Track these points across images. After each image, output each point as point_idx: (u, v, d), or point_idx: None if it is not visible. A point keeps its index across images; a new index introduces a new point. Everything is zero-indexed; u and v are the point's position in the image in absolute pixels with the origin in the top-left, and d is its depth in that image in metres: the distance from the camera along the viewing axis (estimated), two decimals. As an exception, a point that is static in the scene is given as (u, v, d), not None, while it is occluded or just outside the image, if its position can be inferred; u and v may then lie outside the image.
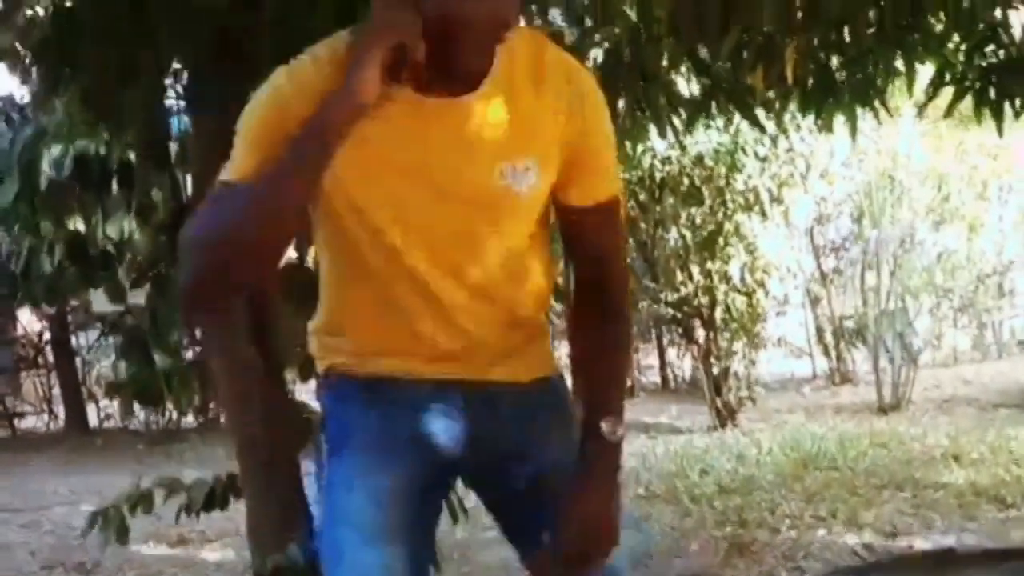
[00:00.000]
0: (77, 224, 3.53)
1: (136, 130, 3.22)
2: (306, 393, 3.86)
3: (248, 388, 3.59)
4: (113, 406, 11.69)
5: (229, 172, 1.82)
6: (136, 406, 10.73)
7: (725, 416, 10.38)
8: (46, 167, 3.54)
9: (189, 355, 3.98)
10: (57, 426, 13.42)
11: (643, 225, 10.49)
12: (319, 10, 3.07)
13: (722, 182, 9.79)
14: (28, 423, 13.72)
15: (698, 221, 10.28)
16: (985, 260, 13.94)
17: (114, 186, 3.36)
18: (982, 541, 5.41)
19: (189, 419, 11.06)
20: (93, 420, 13.15)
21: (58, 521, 7.72)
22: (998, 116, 4.20)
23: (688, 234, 10.27)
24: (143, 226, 3.38)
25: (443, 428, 2.03)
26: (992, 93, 4.22)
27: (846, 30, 4.05)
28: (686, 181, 9.92)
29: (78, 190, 3.36)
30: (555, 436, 2.11)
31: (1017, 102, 4.19)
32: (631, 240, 10.18)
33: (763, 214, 10.20)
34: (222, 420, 3.45)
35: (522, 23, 2.54)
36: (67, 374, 12.81)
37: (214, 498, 4.05)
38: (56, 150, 3.54)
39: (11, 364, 11.69)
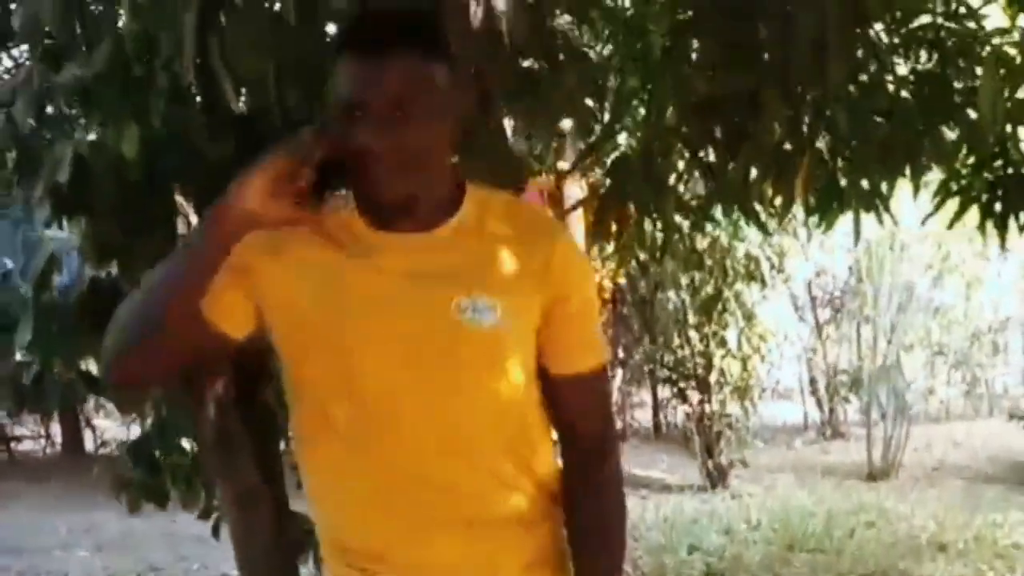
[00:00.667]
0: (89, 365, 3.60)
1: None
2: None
3: (250, 510, 3.69)
4: (110, 431, 11.82)
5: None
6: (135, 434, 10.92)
7: (716, 478, 10.53)
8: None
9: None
10: (54, 450, 13.62)
11: (643, 284, 10.59)
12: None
13: (724, 250, 9.87)
14: (25, 447, 13.89)
15: (698, 285, 10.37)
16: (982, 317, 14.06)
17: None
18: None
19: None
20: (89, 445, 13.32)
21: (54, 571, 7.81)
22: (1002, 229, 4.16)
23: (687, 298, 10.37)
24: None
25: None
26: (998, 206, 4.20)
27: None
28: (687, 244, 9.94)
29: (88, 326, 3.41)
30: None
31: (1022, 216, 4.18)
32: (628, 299, 10.29)
33: (763, 283, 10.27)
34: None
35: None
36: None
37: None
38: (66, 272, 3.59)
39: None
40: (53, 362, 3.40)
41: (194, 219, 3.44)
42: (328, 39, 2.76)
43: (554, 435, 2.02)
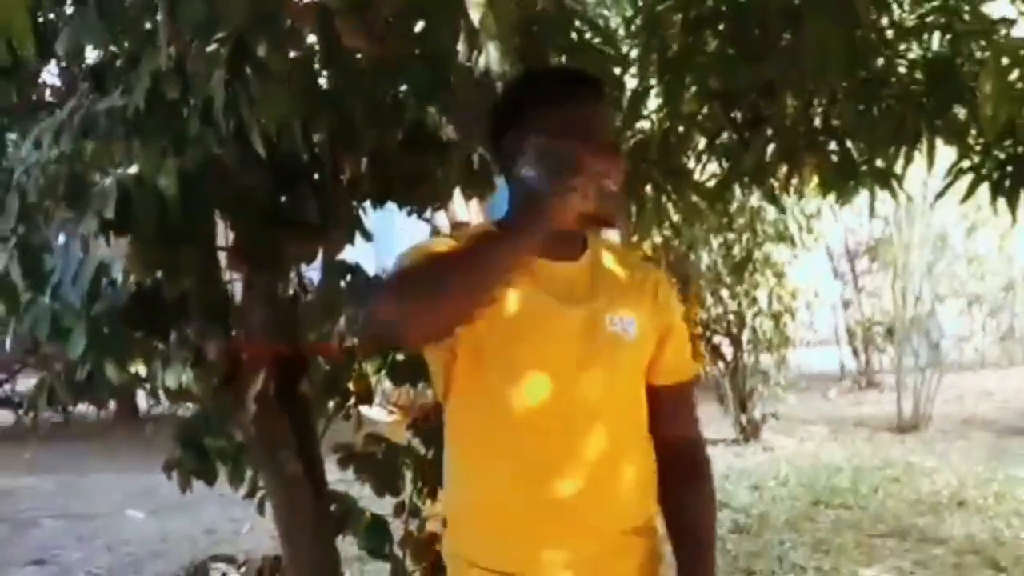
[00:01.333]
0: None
1: (191, 286, 3.58)
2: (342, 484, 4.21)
3: (292, 495, 3.97)
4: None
5: (404, 262, 2.11)
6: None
7: (749, 432, 10.85)
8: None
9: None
10: (108, 414, 13.79)
11: (676, 244, 10.79)
12: (353, 187, 3.45)
13: (754, 212, 10.11)
14: (79, 409, 13.97)
15: (730, 246, 10.62)
16: (1016, 266, 14.12)
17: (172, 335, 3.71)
18: None
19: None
20: (143, 406, 13.44)
21: (112, 534, 8.07)
22: (1013, 205, 4.20)
23: (719, 258, 10.58)
24: (199, 377, 3.73)
25: None
26: (1008, 183, 4.23)
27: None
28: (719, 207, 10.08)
29: (134, 331, 3.65)
30: None
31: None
32: (663, 260, 10.49)
33: (792, 243, 10.44)
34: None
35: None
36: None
37: None
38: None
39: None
40: (105, 366, 3.65)
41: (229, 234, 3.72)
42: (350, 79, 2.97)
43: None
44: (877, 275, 13.71)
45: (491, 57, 2.49)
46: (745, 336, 10.76)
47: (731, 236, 10.49)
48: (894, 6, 4.01)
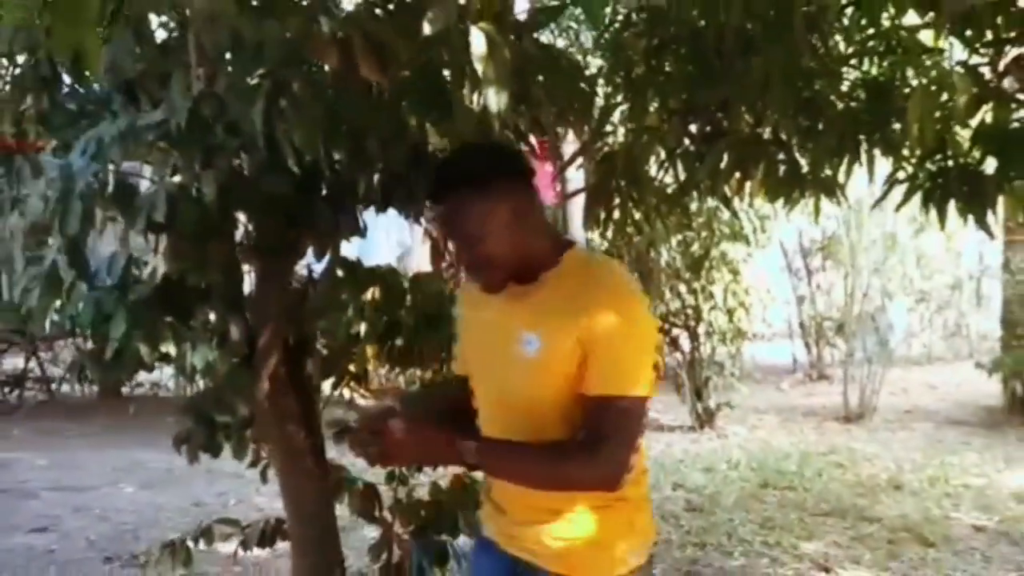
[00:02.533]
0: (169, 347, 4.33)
1: (216, 276, 4.10)
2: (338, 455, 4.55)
3: (298, 464, 4.47)
4: (144, 374, 12.44)
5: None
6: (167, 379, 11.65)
7: (704, 420, 11.42)
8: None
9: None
10: (92, 392, 14.20)
11: (637, 241, 11.32)
12: (365, 197, 3.97)
13: (711, 213, 10.62)
14: (65, 388, 14.39)
15: (688, 244, 11.17)
16: (963, 265, 14.68)
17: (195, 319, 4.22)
18: None
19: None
20: (126, 387, 13.85)
21: (106, 505, 8.45)
22: (941, 215, 4.49)
23: (678, 255, 11.12)
24: (222, 356, 4.25)
25: None
26: (938, 194, 4.51)
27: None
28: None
29: (164, 315, 4.16)
30: None
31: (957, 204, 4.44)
32: (625, 255, 11.02)
33: (747, 242, 11.01)
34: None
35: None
36: (103, 343, 13.44)
37: (264, 538, 4.83)
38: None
39: (52, 332, 12.43)
40: (136, 346, 4.15)
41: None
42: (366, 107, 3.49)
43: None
44: (830, 272, 14.16)
45: (489, 96, 3.01)
46: (701, 329, 11.31)
47: (690, 235, 11.02)
48: (838, 36, 4.43)
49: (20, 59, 4.07)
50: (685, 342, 11.48)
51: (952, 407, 12.54)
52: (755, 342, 13.61)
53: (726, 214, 10.43)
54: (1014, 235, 11.67)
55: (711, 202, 9.54)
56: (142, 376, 12.93)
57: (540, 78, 3.61)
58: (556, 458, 2.48)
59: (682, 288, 11.25)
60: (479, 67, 2.89)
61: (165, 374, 11.64)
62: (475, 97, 3.13)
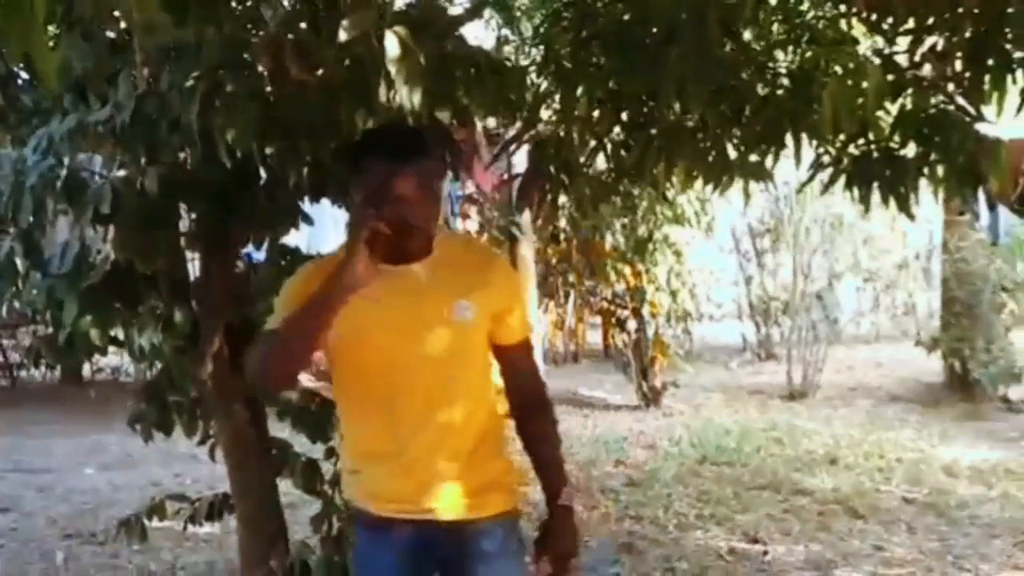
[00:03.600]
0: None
1: (162, 264, 4.35)
2: (281, 431, 4.95)
3: (241, 441, 4.73)
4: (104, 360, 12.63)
5: (270, 323, 2.83)
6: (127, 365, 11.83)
7: (651, 399, 11.69)
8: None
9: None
10: (53, 378, 14.39)
11: (583, 227, 11.64)
12: (297, 189, 4.23)
13: (652, 197, 10.71)
14: (26, 375, 14.55)
15: (634, 227, 11.46)
16: (910, 245, 14.94)
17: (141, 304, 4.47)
18: (824, 552, 6.46)
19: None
20: (86, 372, 13.93)
21: (67, 486, 8.72)
22: (864, 198, 4.67)
23: (622, 239, 11.42)
24: (168, 338, 4.51)
25: None
26: (861, 179, 4.67)
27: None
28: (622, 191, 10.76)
29: (112, 299, 4.40)
30: None
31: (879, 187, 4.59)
32: (574, 240, 11.31)
33: (688, 224, 11.31)
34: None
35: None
36: (64, 329, 13.59)
37: (213, 511, 5.06)
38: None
39: (14, 319, 12.58)
40: (88, 330, 4.40)
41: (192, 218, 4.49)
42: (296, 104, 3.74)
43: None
44: (779, 254, 14.43)
45: (402, 93, 3.28)
46: (645, 310, 11.59)
47: (635, 219, 11.28)
48: (757, 28, 4.60)
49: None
50: (630, 323, 11.72)
51: (894, 384, 12.84)
52: (704, 323, 13.94)
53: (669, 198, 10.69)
54: (951, 215, 11.91)
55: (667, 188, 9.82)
56: (103, 362, 13.11)
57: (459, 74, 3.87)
58: (555, 425, 3.12)
59: (627, 271, 11.49)
60: (392, 68, 3.16)
61: (126, 360, 11.89)
62: (392, 94, 3.38)
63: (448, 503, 2.90)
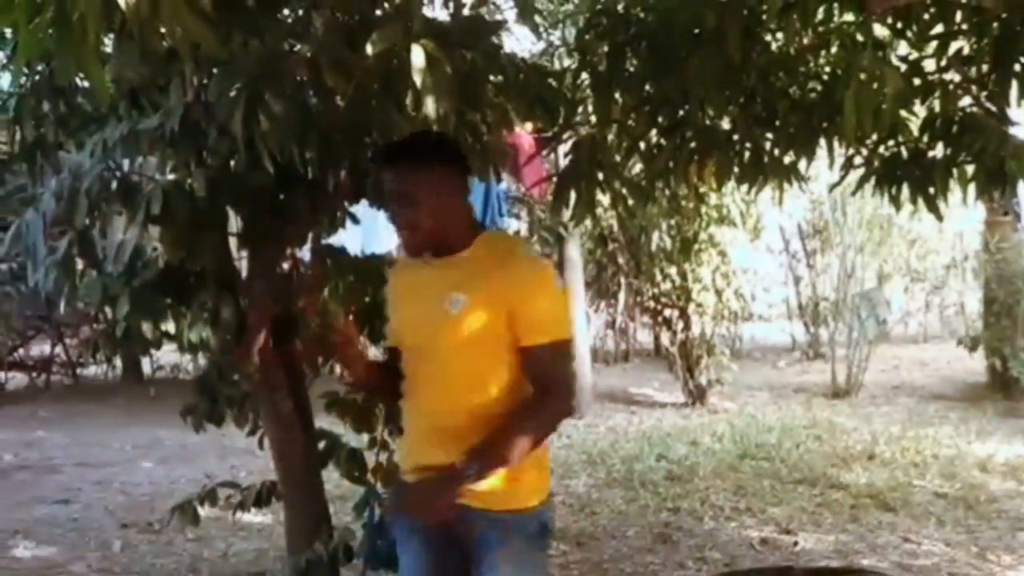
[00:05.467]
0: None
1: (210, 263, 4.59)
2: (327, 423, 5.13)
3: (286, 431, 4.96)
4: (165, 357, 12.99)
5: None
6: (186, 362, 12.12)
7: (696, 396, 11.90)
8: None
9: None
10: (115, 376, 14.81)
11: (629, 226, 11.82)
12: (336, 191, 4.46)
13: (699, 198, 10.99)
14: (89, 372, 15.05)
15: (682, 228, 11.68)
16: (959, 247, 15.00)
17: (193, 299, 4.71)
18: (853, 543, 6.62)
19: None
20: (147, 370, 14.46)
21: (125, 479, 9.00)
22: (895, 199, 4.88)
23: (668, 239, 11.60)
24: (215, 333, 4.75)
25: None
26: (890, 178, 4.91)
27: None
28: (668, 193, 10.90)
29: (165, 297, 4.65)
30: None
31: (909, 188, 4.83)
32: (621, 239, 11.49)
33: (733, 225, 11.47)
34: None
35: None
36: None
37: (260, 498, 5.26)
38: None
39: (77, 319, 12.93)
40: (141, 325, 4.65)
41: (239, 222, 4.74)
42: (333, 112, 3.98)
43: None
44: (828, 254, 14.52)
45: (429, 105, 3.49)
46: (691, 309, 11.76)
47: (681, 220, 11.48)
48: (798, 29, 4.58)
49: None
50: (676, 322, 11.91)
51: (938, 383, 12.99)
52: (755, 322, 14.07)
53: (712, 198, 10.88)
54: (993, 216, 12.01)
55: (700, 187, 9.96)
56: (163, 360, 13.51)
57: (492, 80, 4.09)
58: (532, 416, 3.02)
59: (672, 270, 11.67)
60: (418, 79, 3.38)
61: (185, 358, 12.14)
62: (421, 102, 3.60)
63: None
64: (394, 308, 3.31)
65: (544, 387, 3.01)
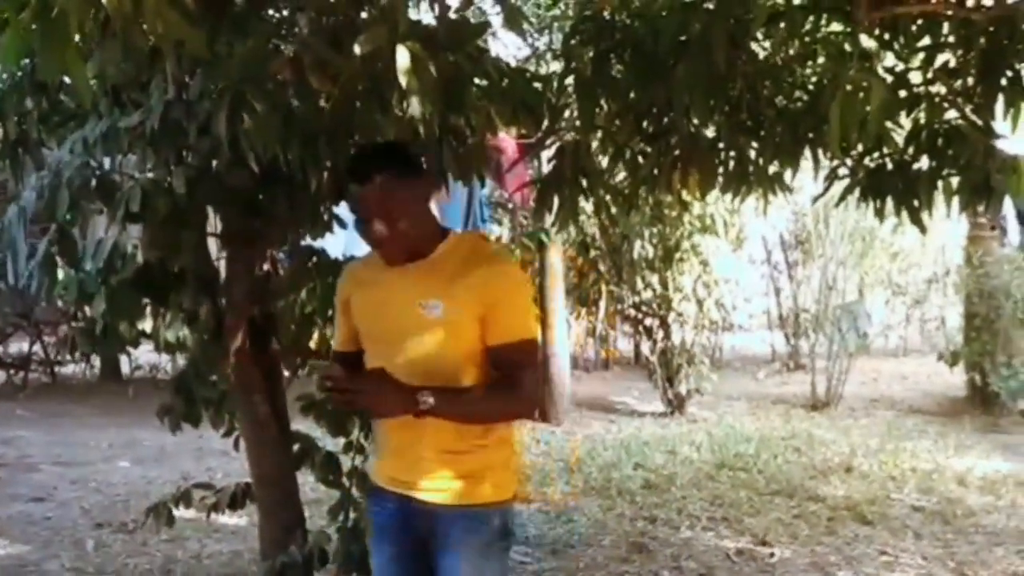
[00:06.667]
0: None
1: (188, 262, 4.58)
2: (304, 426, 5.09)
3: (262, 433, 4.94)
4: (143, 357, 12.97)
5: (334, 343, 3.34)
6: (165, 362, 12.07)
7: (675, 405, 11.92)
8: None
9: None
10: (93, 374, 14.76)
11: (611, 235, 11.82)
12: (318, 190, 4.43)
13: (682, 207, 10.96)
14: (67, 370, 15.03)
15: (665, 236, 11.64)
16: (940, 261, 15.04)
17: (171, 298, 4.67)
18: (829, 555, 6.61)
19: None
20: (125, 369, 14.43)
21: (101, 479, 8.96)
22: (879, 211, 4.80)
23: (650, 248, 11.59)
24: (193, 333, 4.73)
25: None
26: (874, 190, 4.83)
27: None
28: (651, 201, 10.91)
29: (142, 295, 4.61)
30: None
31: (893, 200, 4.74)
32: (603, 247, 11.49)
33: (716, 234, 11.47)
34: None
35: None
36: (104, 328, 13.92)
37: (236, 499, 5.25)
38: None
39: (56, 316, 12.91)
40: (119, 322, 4.62)
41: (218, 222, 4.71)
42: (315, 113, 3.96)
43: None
44: (810, 265, 14.54)
45: (414, 105, 3.48)
46: (671, 317, 11.76)
47: (664, 228, 11.46)
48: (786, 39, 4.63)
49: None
50: (656, 331, 11.91)
51: (917, 397, 13.03)
52: (736, 332, 14.08)
53: (696, 207, 10.88)
54: (977, 230, 12.05)
55: (684, 196, 9.93)
56: (141, 360, 13.48)
57: (482, 83, 4.07)
58: (494, 396, 3.03)
59: (654, 279, 11.67)
60: (403, 80, 3.36)
61: (163, 358, 12.19)
62: (405, 104, 3.58)
63: (425, 487, 3.09)
64: (361, 314, 3.26)
65: (514, 380, 3.04)
